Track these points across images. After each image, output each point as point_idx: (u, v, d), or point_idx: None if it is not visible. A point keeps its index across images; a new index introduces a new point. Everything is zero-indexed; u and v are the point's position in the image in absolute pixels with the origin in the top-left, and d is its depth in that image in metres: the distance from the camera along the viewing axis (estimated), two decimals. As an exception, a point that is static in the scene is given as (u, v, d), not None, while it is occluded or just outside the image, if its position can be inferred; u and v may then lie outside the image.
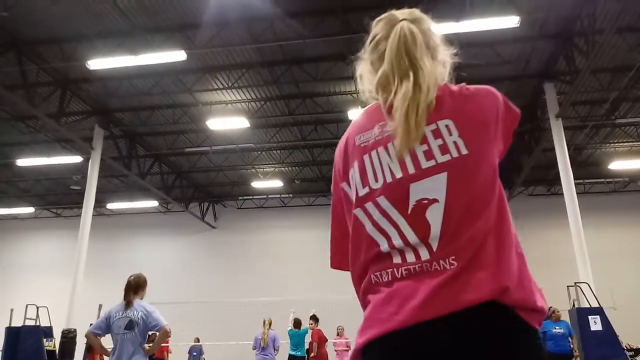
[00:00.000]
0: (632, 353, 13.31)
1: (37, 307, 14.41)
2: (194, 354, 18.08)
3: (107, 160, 17.14)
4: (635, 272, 20.73)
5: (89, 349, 14.22)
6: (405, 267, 1.09)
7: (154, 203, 23.04)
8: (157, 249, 25.04)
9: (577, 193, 13.97)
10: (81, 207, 16.44)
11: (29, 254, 25.94)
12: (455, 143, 1.12)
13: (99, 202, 22.31)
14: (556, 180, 14.84)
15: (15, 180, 21.59)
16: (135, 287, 4.83)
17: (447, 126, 1.14)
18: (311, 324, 11.41)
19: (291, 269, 23.34)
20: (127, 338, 4.58)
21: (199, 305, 15.82)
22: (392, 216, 1.12)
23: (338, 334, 14.11)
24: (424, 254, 1.08)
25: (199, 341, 17.14)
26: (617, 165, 18.69)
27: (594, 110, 16.03)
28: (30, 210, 24.57)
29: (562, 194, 14.24)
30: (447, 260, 1.06)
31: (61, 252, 24.17)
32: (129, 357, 4.53)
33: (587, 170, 19.40)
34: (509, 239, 1.15)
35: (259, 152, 19.41)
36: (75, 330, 14.60)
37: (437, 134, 1.13)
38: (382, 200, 1.14)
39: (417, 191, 1.11)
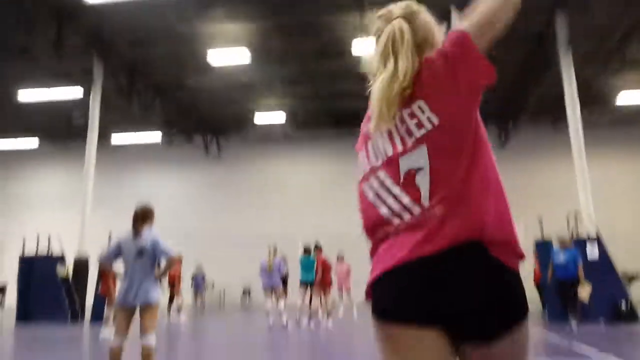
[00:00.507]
0: (627, 279, 13.76)
1: (49, 237, 14.84)
2: (199, 279, 18.77)
3: (108, 93, 16.99)
4: (635, 203, 21.00)
5: (102, 276, 14.77)
6: (404, 224, 1.30)
7: (157, 136, 23.06)
8: (162, 182, 25.37)
9: (582, 127, 13.89)
10: (85, 141, 16.51)
11: (37, 186, 26.36)
12: (428, 118, 1.32)
13: (103, 136, 22.32)
14: (562, 113, 14.68)
15: (18, 114, 21.52)
16: (142, 216, 4.97)
17: (419, 107, 1.34)
18: (318, 252, 11.79)
19: (295, 201, 23.72)
20: (137, 265, 4.80)
21: (203, 237, 16.24)
22: (389, 186, 1.35)
23: (338, 260, 14.39)
24: (417, 211, 1.29)
25: (202, 268, 17.70)
26: (624, 99, 18.42)
27: (604, 42, 15.60)
28: (35, 144, 24.67)
29: (568, 127, 14.16)
30: (435, 212, 1.26)
31: (68, 184, 24.56)
32: (139, 283, 4.76)
33: (594, 103, 19.17)
34: (487, 188, 1.33)
35: (262, 85, 19.15)
36: (87, 259, 15.11)
37: (412, 115, 1.35)
38: (381, 174, 1.38)
39: (406, 163, 1.33)
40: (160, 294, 4.94)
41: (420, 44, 1.43)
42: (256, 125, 23.21)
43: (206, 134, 24.34)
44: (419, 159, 1.32)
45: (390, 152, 1.37)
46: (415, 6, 1.46)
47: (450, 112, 1.32)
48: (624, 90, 18.18)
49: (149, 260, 4.84)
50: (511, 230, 1.31)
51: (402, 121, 1.36)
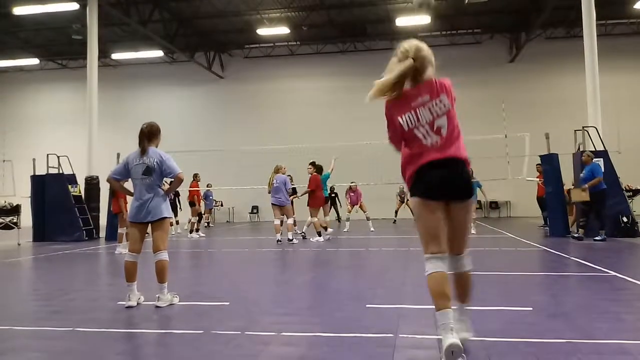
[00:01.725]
0: (630, 193, 13.86)
1: (58, 157, 14.97)
2: (210, 197, 19.16)
3: (105, 7, 16.39)
4: (644, 117, 20.70)
5: (114, 193, 15.10)
6: (431, 146, 3.02)
7: (158, 53, 22.52)
8: (166, 100, 25.15)
9: (597, 35, 13.36)
10: (86, 58, 16.17)
11: (40, 106, 26.25)
12: (444, 105, 3.04)
13: (103, 53, 21.86)
14: (577, 21, 14.07)
15: (14, 30, 20.95)
16: (148, 134, 5.05)
17: (441, 100, 3.06)
18: (310, 169, 11.96)
19: (300, 118, 23.57)
20: (145, 183, 4.95)
21: (209, 154, 16.31)
22: (428, 131, 3.04)
23: (352, 190, 15.43)
24: (439, 141, 3.02)
25: (211, 186, 18.00)
26: (644, 3, 17.52)
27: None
28: (34, 61, 24.21)
29: (582, 36, 13.63)
30: (446, 143, 3.02)
31: (72, 104, 24.41)
32: (148, 200, 4.93)
33: (611, 9, 18.29)
34: (460, 134, 3.12)
35: (264, -5, 18.36)
36: (97, 177, 15.34)
37: (439, 103, 3.05)
38: (425, 125, 3.05)
39: (437, 123, 3.04)
40: (169, 209, 5.09)
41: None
42: (259, 41, 22.53)
43: (208, 51, 23.72)
44: (443, 122, 3.05)
45: (430, 117, 3.05)
46: (423, 46, 3.36)
47: (452, 106, 3.09)
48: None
49: (156, 178, 4.96)
50: (466, 154, 3.11)
51: (436, 104, 3.07)
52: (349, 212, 15.62)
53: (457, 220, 3.10)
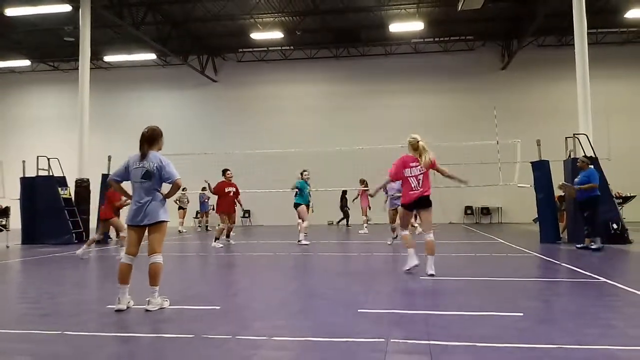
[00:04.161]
0: (620, 200, 13.98)
1: (49, 159, 14.85)
2: (206, 201, 19.15)
3: (98, 9, 16.33)
4: (634, 124, 20.92)
5: (104, 199, 15.06)
6: (417, 189, 6.88)
7: (151, 56, 22.46)
8: (159, 103, 25.07)
9: (588, 43, 13.49)
10: (78, 60, 16.08)
11: (31, 108, 26.06)
12: (421, 170, 6.92)
13: (96, 55, 21.77)
14: (568, 29, 14.19)
15: (6, 32, 20.81)
16: (149, 139, 5.06)
17: (421, 167, 6.92)
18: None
19: (293, 122, 23.57)
20: (144, 187, 4.95)
21: (201, 157, 16.27)
22: (417, 182, 6.89)
23: (363, 183, 15.50)
24: (420, 188, 6.88)
25: (205, 190, 17.95)
26: (634, 13, 17.71)
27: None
28: (26, 63, 24.04)
29: (573, 44, 13.75)
30: (423, 188, 6.90)
31: (64, 106, 24.28)
32: (146, 203, 4.93)
33: (602, 18, 18.49)
34: (430, 183, 7.01)
35: (258, 0, 18.36)
36: (88, 180, 15.22)
37: (420, 169, 6.91)
38: (415, 179, 6.89)
39: (420, 177, 6.90)
40: (167, 213, 5.08)
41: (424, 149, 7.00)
42: (253, 45, 22.53)
43: (202, 54, 23.69)
44: (421, 176, 6.88)
45: (417, 173, 6.86)
46: (423, 143, 7.02)
47: (426, 170, 6.96)
48: (633, 9, 17.46)
49: (155, 182, 4.96)
50: (430, 192, 7.02)
51: (420, 168, 6.86)
52: (366, 214, 16.62)
53: (424, 217, 7.13)
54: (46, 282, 7.27)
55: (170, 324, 4.39)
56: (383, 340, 3.67)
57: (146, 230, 5.00)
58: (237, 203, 12.49)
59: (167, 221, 5.06)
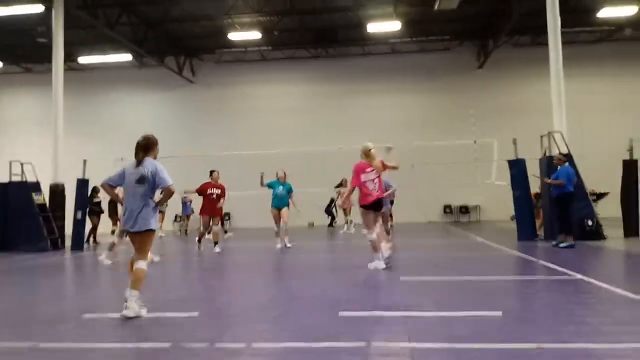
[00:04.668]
0: (595, 197, 14.24)
1: (22, 164, 14.49)
2: (187, 203, 18.95)
3: (72, 10, 16.02)
4: (608, 122, 21.34)
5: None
6: (374, 192, 7.61)
7: (127, 57, 22.09)
8: (135, 105, 24.71)
9: (562, 42, 13.72)
10: (51, 62, 15.73)
11: (4, 111, 25.45)
12: (375, 172, 7.71)
13: (70, 56, 21.33)
14: (542, 29, 14.40)
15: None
16: (144, 147, 5.22)
17: (375, 170, 7.72)
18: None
19: (272, 123, 23.48)
20: (138, 191, 5.05)
21: (180, 160, 16.09)
22: (374, 185, 7.66)
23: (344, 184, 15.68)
24: (377, 190, 7.65)
25: (187, 193, 17.75)
26: (606, 12, 18.09)
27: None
28: (-2, 66, 23.47)
29: (547, 43, 13.97)
30: (380, 191, 7.71)
31: (37, 109, 23.75)
32: (139, 207, 5.02)
33: (575, 18, 18.80)
34: (382, 185, 7.99)
35: (235, 0, 18.22)
36: (63, 185, 14.91)
37: (375, 172, 7.72)
38: (372, 182, 7.65)
39: (375, 180, 7.71)
40: (157, 221, 5.19)
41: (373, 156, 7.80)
42: (230, 46, 22.37)
43: (179, 56, 23.42)
44: (376, 180, 7.69)
45: (373, 177, 7.66)
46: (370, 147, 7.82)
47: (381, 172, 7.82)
48: (606, 7, 17.84)
49: (148, 188, 5.06)
50: (383, 194, 7.98)
51: (375, 172, 7.69)
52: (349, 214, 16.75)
53: (377, 216, 7.78)
54: (19, 291, 7.10)
55: (147, 333, 4.31)
56: (364, 344, 3.66)
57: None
58: (221, 206, 11.74)
59: (154, 230, 5.12)
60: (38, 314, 5.23)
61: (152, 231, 5.09)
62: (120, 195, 5.37)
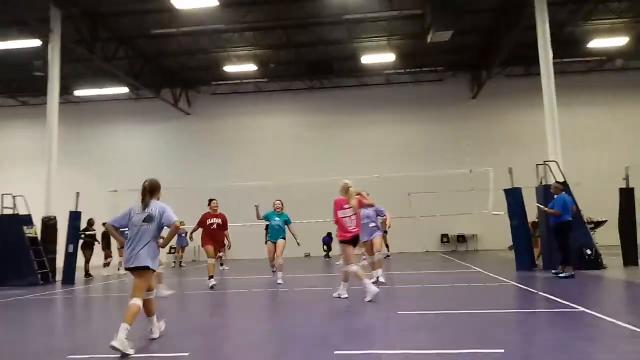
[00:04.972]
0: (592, 225, 14.11)
1: (14, 197, 14.33)
2: (183, 235, 18.68)
3: (69, 44, 16.14)
4: (602, 150, 21.44)
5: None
6: (352, 229, 7.82)
7: (123, 90, 22.21)
8: (131, 137, 24.70)
9: (554, 72, 13.85)
10: (47, 95, 15.75)
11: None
12: (352, 210, 7.87)
13: (66, 89, 21.43)
14: (534, 59, 14.58)
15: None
16: (150, 190, 5.44)
17: (351, 208, 7.88)
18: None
19: (268, 154, 23.47)
20: (144, 229, 5.25)
21: (175, 191, 15.96)
22: (351, 221, 7.85)
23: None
24: (355, 227, 7.86)
25: (182, 224, 17.53)
26: (596, 43, 18.39)
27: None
28: (-7, 99, 23.53)
29: (539, 73, 14.10)
30: (357, 228, 7.93)
31: (32, 141, 23.65)
32: (144, 245, 5.19)
33: (566, 48, 19.09)
34: (360, 222, 8.26)
35: (231, 34, 18.43)
36: (55, 218, 14.71)
37: (352, 210, 7.88)
38: (349, 218, 7.84)
39: (352, 217, 7.86)
40: (157, 262, 5.32)
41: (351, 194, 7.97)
42: (226, 78, 22.55)
43: (175, 88, 23.55)
44: (353, 217, 7.85)
45: (350, 213, 7.82)
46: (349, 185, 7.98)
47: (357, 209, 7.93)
48: (597, 39, 18.14)
49: (156, 226, 5.28)
50: (359, 230, 8.05)
51: (352, 210, 7.86)
52: None
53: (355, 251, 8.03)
54: (3, 329, 6.85)
55: (134, 375, 4.11)
56: (360, 386, 3.48)
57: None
58: (223, 237, 10.98)
59: (152, 269, 5.19)
60: (19, 354, 5.01)
61: (150, 269, 5.17)
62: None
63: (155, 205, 5.35)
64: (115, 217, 5.45)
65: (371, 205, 8.44)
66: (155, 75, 21.66)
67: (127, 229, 5.38)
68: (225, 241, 11.18)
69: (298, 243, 10.52)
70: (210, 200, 11.16)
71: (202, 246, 10.87)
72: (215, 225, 10.74)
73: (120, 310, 8.91)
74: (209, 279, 10.54)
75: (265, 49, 19.79)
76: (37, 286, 12.77)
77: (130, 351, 4.69)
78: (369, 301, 7.36)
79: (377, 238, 9.78)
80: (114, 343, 4.61)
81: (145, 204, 5.34)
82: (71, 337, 6.33)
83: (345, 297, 7.87)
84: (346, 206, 7.82)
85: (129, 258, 5.14)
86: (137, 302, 5.03)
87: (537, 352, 4.28)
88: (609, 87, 22.18)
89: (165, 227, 5.36)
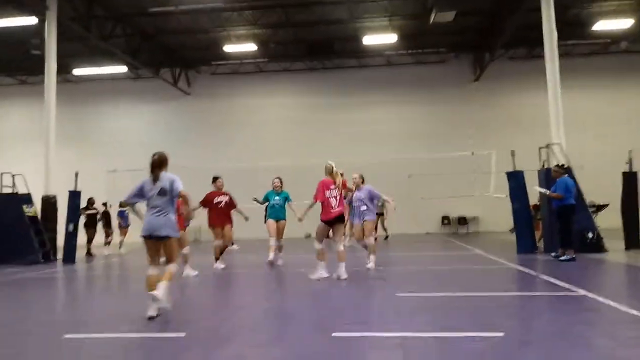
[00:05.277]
0: (594, 209, 14.05)
1: (13, 175, 14.27)
2: (126, 214, 18.38)
3: (65, 22, 15.90)
4: (606, 133, 21.26)
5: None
6: (335, 208, 8.14)
7: (122, 69, 21.97)
8: (130, 116, 24.54)
9: (558, 54, 13.63)
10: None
11: (-2, 123, 25.24)
12: (338, 189, 8.22)
13: (64, 68, 21.21)
14: (538, 42, 14.35)
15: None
16: (159, 163, 5.68)
17: (338, 188, 8.23)
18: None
19: (268, 135, 23.33)
20: (160, 202, 5.57)
21: (175, 172, 15.90)
22: (335, 201, 8.17)
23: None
24: (337, 207, 8.15)
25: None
26: (601, 25, 18.08)
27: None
28: (-9, 77, 23.32)
29: (543, 56, 13.89)
30: (341, 207, 8.21)
31: (31, 121, 23.45)
32: (162, 215, 5.52)
33: (570, 31, 18.78)
34: (343, 201, 8.49)
35: (230, 13, 18.14)
36: (55, 197, 14.66)
37: (338, 190, 8.23)
38: (334, 198, 8.16)
39: (337, 197, 8.19)
40: (176, 230, 5.65)
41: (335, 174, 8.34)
42: (226, 58, 22.28)
43: (174, 67, 23.30)
44: (338, 197, 8.17)
45: (336, 194, 8.17)
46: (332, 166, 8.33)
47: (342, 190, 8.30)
48: (601, 20, 17.83)
49: (169, 198, 5.59)
50: (343, 211, 8.32)
51: (337, 190, 8.18)
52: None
53: (339, 230, 8.37)
54: (4, 307, 6.83)
55: (129, 357, 4.07)
56: (358, 369, 3.44)
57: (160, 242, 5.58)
58: (231, 215, 10.49)
59: (175, 236, 5.63)
60: (17, 332, 4.99)
61: (174, 238, 5.58)
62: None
63: (165, 177, 5.59)
64: (129, 194, 5.70)
65: (350, 190, 8.88)
66: (154, 53, 21.40)
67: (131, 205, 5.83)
68: (241, 217, 10.52)
69: (300, 219, 10.07)
70: (216, 179, 10.63)
71: (210, 226, 10.46)
72: (223, 204, 10.33)
73: (119, 289, 8.94)
74: (216, 262, 10.27)
75: (265, 28, 19.50)
76: (38, 265, 12.79)
77: (169, 306, 5.40)
78: (319, 279, 8.02)
79: (368, 222, 9.47)
80: (154, 293, 5.16)
81: (155, 177, 5.56)
82: (69, 315, 6.32)
83: (326, 277, 8.10)
84: (332, 187, 8.17)
85: (149, 228, 5.45)
86: (173, 268, 5.57)
87: (537, 337, 4.24)
88: (614, 70, 21.92)
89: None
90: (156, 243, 5.53)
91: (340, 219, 8.21)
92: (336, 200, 8.15)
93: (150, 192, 5.55)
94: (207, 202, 10.31)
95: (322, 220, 8.24)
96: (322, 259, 8.25)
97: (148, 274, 5.45)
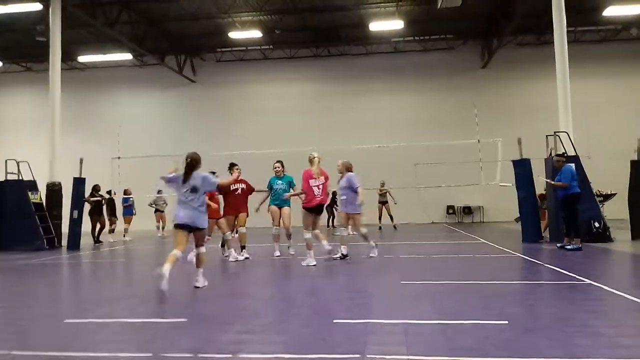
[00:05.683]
0: (601, 198, 13.91)
1: (18, 162, 14.29)
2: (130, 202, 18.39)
3: (70, 8, 15.81)
4: (614, 122, 21.03)
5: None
6: (318, 196, 8.68)
7: (127, 56, 21.89)
8: (136, 104, 24.52)
9: (567, 41, 13.41)
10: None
11: (3, 110, 25.29)
12: (322, 179, 8.76)
13: (70, 55, 21.19)
14: (547, 28, 14.13)
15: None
16: (193, 164, 6.29)
17: (323, 178, 8.82)
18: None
19: (273, 122, 23.24)
20: (192, 198, 6.21)
21: (180, 159, 15.85)
22: (319, 190, 8.70)
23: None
24: (320, 195, 8.70)
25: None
26: (612, 11, 17.75)
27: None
28: (-4, 64, 23.31)
29: (552, 42, 13.66)
30: (323, 196, 8.82)
31: (36, 107, 23.57)
32: (195, 209, 6.19)
33: (580, 16, 18.50)
34: (327, 190, 9.24)
35: (236, -2, 17.98)
36: (59, 184, 14.69)
37: (322, 179, 8.79)
38: (317, 188, 8.68)
39: (320, 187, 8.72)
40: (206, 221, 6.45)
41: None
42: (231, 45, 22.14)
43: (179, 55, 23.20)
44: (321, 185, 8.70)
45: (319, 183, 8.68)
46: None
47: (325, 180, 8.82)
48: (612, 6, 17.51)
49: (200, 194, 6.25)
50: (325, 200, 9.07)
51: (321, 179, 8.71)
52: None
53: (318, 218, 8.89)
54: (4, 292, 6.84)
55: (129, 340, 4.05)
56: (359, 356, 3.39)
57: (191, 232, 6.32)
58: (247, 203, 10.17)
59: (206, 227, 6.45)
60: (19, 317, 4.98)
61: (203, 229, 6.38)
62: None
63: (197, 176, 6.22)
64: (167, 176, 6.36)
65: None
66: (159, 40, 21.31)
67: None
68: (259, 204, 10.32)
69: (286, 198, 9.75)
70: (233, 165, 9.86)
71: (223, 216, 10.09)
72: (240, 191, 10.00)
73: (122, 276, 8.95)
74: (242, 251, 9.98)
75: (271, 14, 19.33)
76: (42, 251, 12.85)
77: (206, 283, 6.49)
78: (308, 265, 8.40)
79: (356, 215, 9.06)
80: (198, 284, 6.35)
81: (186, 177, 6.18)
82: (71, 301, 6.32)
83: (314, 265, 8.38)
84: (315, 176, 8.70)
85: (186, 220, 6.13)
86: (203, 250, 6.52)
87: (542, 325, 4.17)
88: (624, 57, 21.61)
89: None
90: (188, 232, 6.19)
91: (321, 208, 8.82)
92: (319, 189, 8.66)
93: (182, 188, 6.20)
94: (225, 187, 9.42)
95: (303, 208, 8.72)
96: (311, 247, 8.61)
97: (173, 254, 5.91)
